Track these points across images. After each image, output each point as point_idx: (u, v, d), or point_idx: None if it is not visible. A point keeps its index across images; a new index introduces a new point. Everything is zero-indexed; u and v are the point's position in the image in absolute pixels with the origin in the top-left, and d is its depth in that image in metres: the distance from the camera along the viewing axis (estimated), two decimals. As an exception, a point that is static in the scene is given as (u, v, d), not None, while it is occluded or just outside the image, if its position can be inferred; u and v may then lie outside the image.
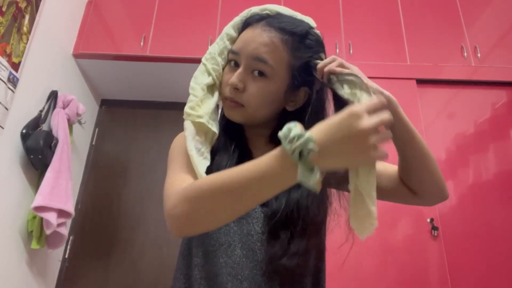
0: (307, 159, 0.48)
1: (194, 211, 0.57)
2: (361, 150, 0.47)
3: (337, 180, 0.70)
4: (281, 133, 0.50)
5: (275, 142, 0.74)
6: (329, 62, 0.66)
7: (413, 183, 0.75)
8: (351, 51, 2.39)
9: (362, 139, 0.46)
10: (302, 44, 0.71)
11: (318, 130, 0.49)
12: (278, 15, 0.73)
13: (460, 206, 2.07)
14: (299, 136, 0.48)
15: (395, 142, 0.72)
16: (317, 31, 0.75)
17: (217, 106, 0.76)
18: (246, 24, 0.74)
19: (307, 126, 0.51)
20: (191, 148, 0.68)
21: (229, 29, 0.77)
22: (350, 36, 2.45)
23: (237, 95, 0.70)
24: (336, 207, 0.72)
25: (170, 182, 0.67)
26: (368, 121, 0.47)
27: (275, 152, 0.52)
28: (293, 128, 0.50)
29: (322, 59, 0.71)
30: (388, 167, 0.79)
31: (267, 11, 0.74)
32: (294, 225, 0.66)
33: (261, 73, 0.69)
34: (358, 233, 0.57)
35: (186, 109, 0.70)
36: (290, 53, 0.69)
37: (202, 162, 0.69)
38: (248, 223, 0.69)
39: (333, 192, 0.73)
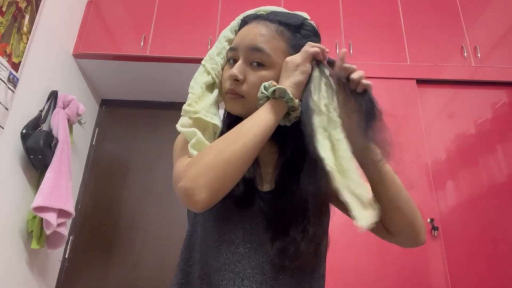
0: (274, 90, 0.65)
1: (204, 168, 0.58)
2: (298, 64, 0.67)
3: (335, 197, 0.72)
4: (262, 89, 0.67)
5: (275, 141, 0.74)
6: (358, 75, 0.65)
7: (385, 221, 0.71)
8: (351, 51, 2.39)
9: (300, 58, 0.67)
10: (298, 34, 0.73)
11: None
12: (273, 13, 0.76)
13: (460, 206, 2.07)
14: (269, 85, 0.67)
15: (366, 174, 0.69)
16: (312, 22, 0.77)
17: (217, 104, 0.77)
18: (243, 23, 0.78)
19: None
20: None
21: (227, 31, 0.80)
22: (350, 36, 2.45)
23: (237, 86, 0.71)
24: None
25: (176, 169, 0.67)
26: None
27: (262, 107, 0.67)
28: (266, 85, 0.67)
29: None
30: None
31: (262, 12, 0.77)
32: (302, 223, 0.65)
33: (260, 63, 0.70)
34: (360, 220, 0.58)
35: (184, 106, 0.72)
36: (287, 42, 0.71)
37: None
38: (252, 221, 0.69)
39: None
